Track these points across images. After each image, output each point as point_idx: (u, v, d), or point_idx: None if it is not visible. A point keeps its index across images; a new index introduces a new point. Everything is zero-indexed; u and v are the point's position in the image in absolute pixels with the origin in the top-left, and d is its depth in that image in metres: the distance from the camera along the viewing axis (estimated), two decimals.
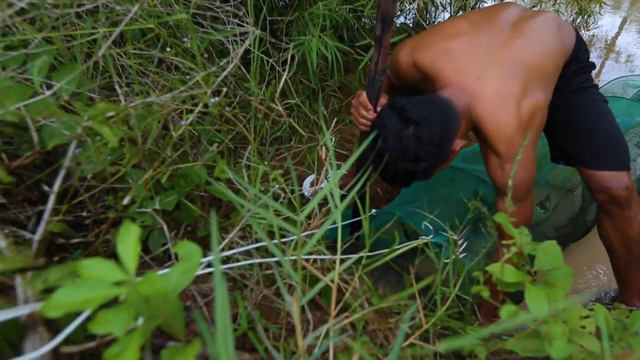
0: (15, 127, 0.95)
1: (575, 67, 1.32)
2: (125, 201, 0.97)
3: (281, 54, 1.76)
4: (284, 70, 1.75)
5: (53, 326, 0.64)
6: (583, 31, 4.37)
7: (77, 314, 0.57)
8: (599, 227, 1.41)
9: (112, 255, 1.02)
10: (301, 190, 2.02)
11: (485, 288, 0.72)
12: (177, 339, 0.59)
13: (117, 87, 0.81)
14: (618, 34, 4.66)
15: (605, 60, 4.18)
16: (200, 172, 1.10)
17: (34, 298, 0.67)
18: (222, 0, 1.07)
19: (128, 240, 0.54)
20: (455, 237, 1.02)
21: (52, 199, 0.76)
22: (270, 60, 1.45)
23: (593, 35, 4.46)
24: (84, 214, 0.94)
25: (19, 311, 0.59)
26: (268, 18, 1.63)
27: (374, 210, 1.21)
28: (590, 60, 1.37)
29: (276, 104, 1.07)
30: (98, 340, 0.65)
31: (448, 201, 1.66)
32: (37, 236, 0.75)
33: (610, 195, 1.30)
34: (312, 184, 1.99)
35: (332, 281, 0.69)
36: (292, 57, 1.67)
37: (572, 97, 1.33)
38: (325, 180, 1.33)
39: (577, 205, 1.91)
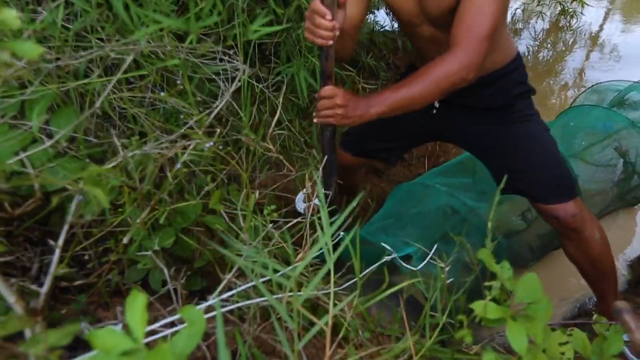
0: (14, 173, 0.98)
1: (520, 89, 1.36)
2: (125, 240, 1.01)
3: (270, 76, 1.80)
4: (274, 92, 1.78)
5: None
6: (566, 33, 4.44)
7: None
8: (563, 249, 1.48)
9: (114, 293, 1.06)
10: (296, 206, 2.08)
11: (470, 333, 0.77)
12: None
13: (115, 139, 0.84)
14: (603, 25, 4.71)
15: (590, 51, 4.24)
16: (196, 208, 1.14)
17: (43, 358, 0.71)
18: (214, 42, 1.11)
19: (135, 310, 0.58)
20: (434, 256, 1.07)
21: (57, 253, 0.79)
22: (260, 85, 1.49)
23: (577, 28, 4.51)
24: (86, 257, 0.98)
25: None
26: (257, 41, 1.67)
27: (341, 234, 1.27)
28: (529, 84, 1.42)
29: (267, 143, 1.11)
30: None
31: (420, 215, 1.74)
32: (44, 289, 0.78)
33: (561, 223, 1.37)
34: (304, 200, 2.03)
35: (327, 324, 0.73)
36: (280, 85, 1.71)
37: (517, 129, 1.37)
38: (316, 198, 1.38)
39: None
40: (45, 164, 1.03)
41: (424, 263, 1.32)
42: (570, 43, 4.31)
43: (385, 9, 2.66)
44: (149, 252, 0.93)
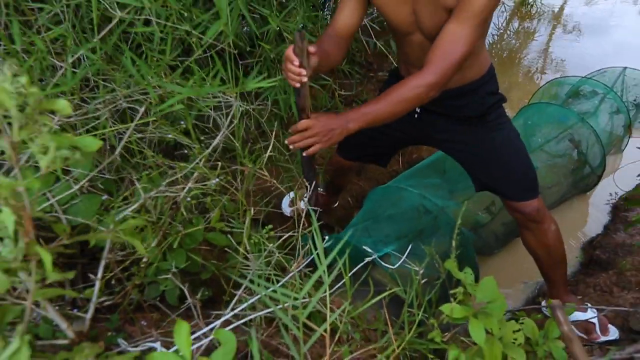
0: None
1: (494, 99, 1.55)
2: (144, 265, 1.17)
3: (254, 96, 1.95)
4: (258, 105, 1.93)
5: None
6: (527, 21, 4.66)
7: None
8: (523, 240, 1.69)
9: (136, 309, 1.22)
10: (282, 209, 2.25)
11: (439, 333, 0.97)
12: None
13: (136, 183, 1.00)
14: (563, 7, 4.92)
15: (553, 31, 4.45)
16: (201, 229, 1.31)
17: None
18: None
19: (182, 335, 0.75)
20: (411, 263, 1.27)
21: (97, 285, 0.95)
22: (249, 107, 1.64)
23: (537, 14, 4.71)
24: (112, 281, 1.14)
25: None
26: (240, 62, 1.81)
27: (327, 237, 1.44)
28: (500, 93, 1.60)
29: (262, 170, 1.28)
30: None
31: (396, 216, 1.92)
32: (89, 315, 0.95)
33: (524, 215, 1.58)
34: (289, 204, 2.21)
35: (326, 331, 0.92)
36: (264, 99, 1.86)
37: (493, 136, 1.55)
38: (302, 201, 1.55)
39: None
40: (69, 201, 1.17)
41: (400, 262, 1.50)
42: (531, 31, 4.53)
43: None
44: (169, 275, 1.10)
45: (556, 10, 4.83)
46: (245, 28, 2.03)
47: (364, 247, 1.55)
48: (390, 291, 1.08)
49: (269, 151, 1.29)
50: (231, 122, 1.31)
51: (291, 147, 1.31)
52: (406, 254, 1.46)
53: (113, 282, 1.16)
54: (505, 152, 1.54)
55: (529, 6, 4.66)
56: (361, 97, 2.90)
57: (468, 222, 2.16)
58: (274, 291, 0.89)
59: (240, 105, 1.33)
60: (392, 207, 1.98)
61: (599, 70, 3.16)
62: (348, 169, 1.98)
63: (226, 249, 1.31)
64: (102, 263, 0.98)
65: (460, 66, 1.32)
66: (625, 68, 3.08)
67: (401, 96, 1.31)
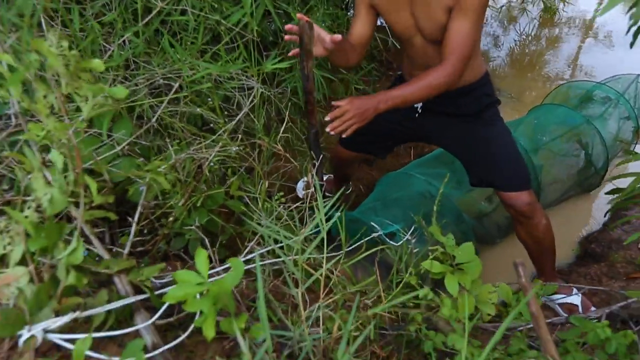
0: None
1: (489, 100, 1.70)
2: (172, 219, 1.36)
3: (274, 84, 2.14)
4: (278, 94, 2.12)
5: (150, 309, 1.04)
6: (549, 28, 4.74)
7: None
8: (516, 232, 1.82)
9: (164, 257, 1.41)
10: (297, 192, 2.43)
11: (415, 278, 1.13)
12: (229, 314, 0.99)
13: (169, 145, 1.19)
14: (596, 11, 4.96)
15: (584, 39, 4.52)
16: (221, 194, 1.50)
17: (129, 289, 1.06)
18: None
19: (201, 259, 0.93)
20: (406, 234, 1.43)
21: (134, 227, 1.15)
22: (268, 93, 1.83)
23: (559, 22, 4.79)
24: (145, 230, 1.33)
25: (132, 299, 0.98)
26: (264, 53, 2.00)
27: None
28: (495, 96, 1.76)
29: (277, 144, 1.46)
30: (175, 317, 1.06)
31: (403, 199, 2.07)
32: (126, 250, 1.14)
33: (516, 210, 1.70)
34: (304, 188, 2.39)
35: (322, 275, 1.09)
36: (284, 87, 2.04)
37: (486, 132, 1.70)
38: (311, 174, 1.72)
39: None
40: (111, 161, 1.38)
41: (404, 239, 1.66)
42: (552, 38, 4.61)
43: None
44: (193, 227, 1.29)
45: (587, 18, 4.88)
46: (272, 25, 2.23)
47: (372, 223, 1.72)
48: (381, 247, 1.24)
49: (283, 127, 1.47)
50: (252, 102, 1.49)
51: (332, 132, 1.46)
52: (410, 232, 1.62)
53: (145, 231, 1.35)
54: (496, 144, 1.68)
55: (553, 14, 4.74)
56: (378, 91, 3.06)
57: (471, 211, 2.29)
58: (279, 235, 1.06)
59: (261, 88, 1.52)
60: (400, 191, 2.14)
61: (613, 76, 3.24)
62: (351, 160, 2.14)
63: (242, 216, 1.49)
64: (138, 209, 1.17)
65: (469, 58, 1.48)
66: (638, 75, 3.15)
67: (428, 83, 1.48)
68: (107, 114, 1.39)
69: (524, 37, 4.62)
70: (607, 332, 1.03)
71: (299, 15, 1.35)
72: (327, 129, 1.46)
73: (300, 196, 2.34)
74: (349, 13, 2.93)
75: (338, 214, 1.70)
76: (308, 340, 0.96)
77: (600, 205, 2.62)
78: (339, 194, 1.17)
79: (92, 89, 0.87)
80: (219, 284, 0.90)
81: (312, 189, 1.71)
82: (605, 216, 2.37)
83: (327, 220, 1.19)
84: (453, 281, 1.16)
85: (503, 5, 4.83)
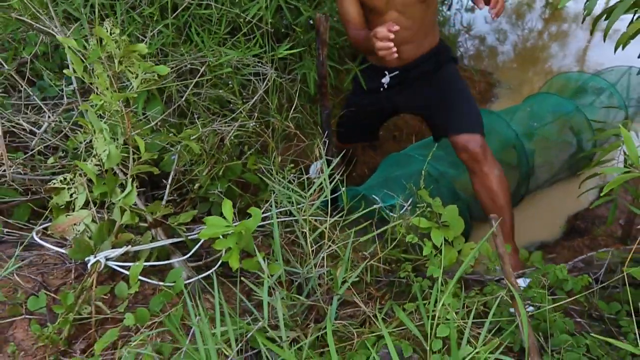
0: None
1: (447, 58, 1.93)
2: (197, 185, 1.58)
3: (286, 71, 2.34)
4: (289, 83, 2.32)
5: (183, 250, 1.26)
6: (551, 24, 4.89)
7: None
8: (472, 185, 1.94)
9: (191, 221, 1.63)
10: (309, 175, 2.64)
11: (400, 228, 1.34)
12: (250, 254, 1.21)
13: (196, 120, 1.41)
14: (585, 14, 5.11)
15: (586, 33, 4.66)
16: (239, 167, 1.71)
17: (163, 234, 1.28)
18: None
19: (227, 207, 1.15)
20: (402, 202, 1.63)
21: (168, 188, 1.37)
22: (281, 80, 2.04)
23: (562, 17, 4.93)
24: (175, 196, 1.55)
25: (170, 240, 1.20)
26: (277, 45, 2.20)
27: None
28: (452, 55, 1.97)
29: (288, 122, 1.67)
30: (203, 261, 1.27)
31: (403, 177, 2.27)
32: (164, 202, 1.36)
33: (469, 153, 1.79)
34: (316, 171, 2.60)
35: (326, 228, 1.30)
36: (294, 76, 2.25)
37: (444, 80, 1.90)
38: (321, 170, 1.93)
39: (515, 181, 2.51)
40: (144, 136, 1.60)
41: (403, 210, 1.86)
42: (556, 33, 4.77)
43: None
44: (216, 192, 1.50)
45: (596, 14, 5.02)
46: (284, 19, 2.44)
47: (373, 196, 1.93)
48: (377, 206, 1.45)
49: (293, 109, 1.69)
50: (267, 85, 1.71)
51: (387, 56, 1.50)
52: (408, 205, 1.82)
53: (175, 196, 1.57)
54: (452, 89, 1.89)
55: (553, 8, 4.89)
56: None
57: (467, 190, 2.49)
58: (291, 196, 1.27)
59: (274, 73, 1.73)
60: (400, 169, 2.34)
61: (607, 68, 3.41)
62: (349, 148, 2.42)
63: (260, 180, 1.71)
64: (172, 173, 1.39)
65: None
66: (630, 67, 3.31)
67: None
68: (142, 95, 1.62)
69: (527, 31, 4.78)
70: (564, 273, 1.23)
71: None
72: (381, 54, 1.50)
73: (313, 177, 2.56)
74: None
75: (343, 188, 1.92)
76: (314, 274, 1.17)
77: (588, 186, 2.80)
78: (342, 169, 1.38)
79: (142, 65, 1.08)
80: (242, 225, 1.11)
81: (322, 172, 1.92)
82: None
83: (333, 193, 1.40)
84: (438, 234, 1.36)
85: (506, 1, 4.98)
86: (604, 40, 1.72)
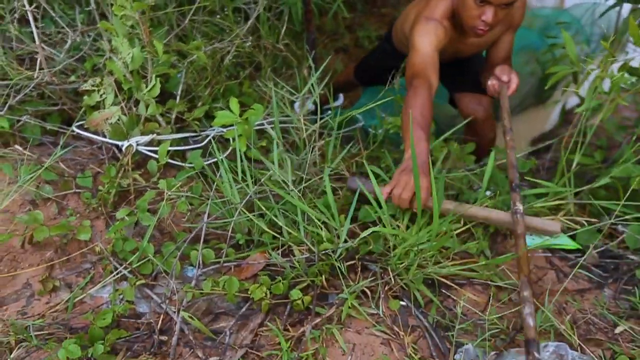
0: None
1: None
2: (201, 103, 1.79)
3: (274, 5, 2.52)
4: (277, 17, 2.50)
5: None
6: None
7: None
8: (473, 129, 2.13)
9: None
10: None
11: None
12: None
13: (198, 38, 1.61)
14: None
15: None
16: (235, 87, 1.92)
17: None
18: None
19: (234, 104, 1.37)
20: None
21: (178, 99, 1.57)
22: (269, 14, 2.23)
23: None
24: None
25: (187, 134, 1.42)
26: None
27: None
28: None
29: (279, 44, 1.88)
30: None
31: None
32: (173, 116, 1.57)
33: (474, 114, 2.04)
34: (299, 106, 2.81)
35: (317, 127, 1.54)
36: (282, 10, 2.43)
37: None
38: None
39: None
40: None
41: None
42: None
43: None
44: (218, 105, 1.72)
45: None
46: None
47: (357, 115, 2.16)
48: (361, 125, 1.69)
49: (282, 32, 1.89)
50: (258, 12, 1.90)
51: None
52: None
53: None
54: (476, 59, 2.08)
55: None
56: (363, 25, 3.43)
57: (445, 115, 2.73)
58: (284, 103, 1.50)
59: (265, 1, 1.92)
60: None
61: (575, 5, 3.63)
62: (355, 85, 2.57)
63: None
64: (180, 86, 1.60)
65: None
66: (595, 3, 3.54)
67: None
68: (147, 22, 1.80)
69: None
70: None
71: None
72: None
73: (297, 112, 2.77)
74: None
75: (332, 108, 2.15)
76: (309, 155, 1.40)
77: (552, 112, 3.08)
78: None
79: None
80: (247, 115, 1.33)
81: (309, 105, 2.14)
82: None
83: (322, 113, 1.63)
84: None
85: None
86: None
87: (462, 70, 2.12)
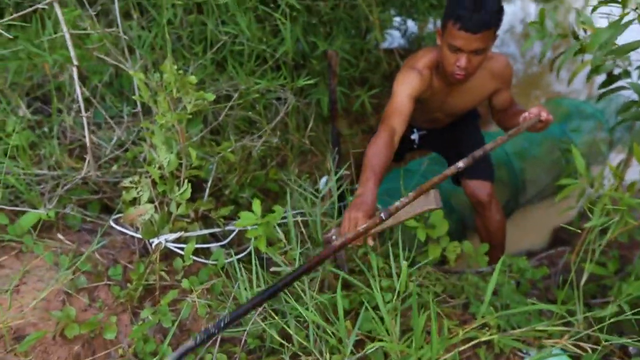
0: None
1: (474, 113, 2.20)
2: (228, 192, 1.92)
3: (302, 95, 2.69)
4: (305, 104, 2.66)
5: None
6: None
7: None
8: (475, 221, 2.20)
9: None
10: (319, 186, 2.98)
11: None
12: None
13: (229, 137, 1.75)
14: None
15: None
16: (262, 176, 2.05)
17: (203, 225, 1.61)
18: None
19: (256, 206, 1.47)
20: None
21: (207, 191, 1.70)
22: (299, 104, 2.39)
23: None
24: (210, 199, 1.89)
25: (212, 230, 1.53)
26: (295, 72, 2.56)
27: None
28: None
29: (304, 139, 2.01)
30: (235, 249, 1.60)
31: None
32: (205, 197, 1.69)
33: (478, 198, 2.04)
34: (326, 182, 2.93)
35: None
36: (309, 99, 2.60)
37: (468, 130, 2.17)
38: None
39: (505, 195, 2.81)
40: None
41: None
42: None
43: None
44: (245, 195, 1.84)
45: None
46: (301, 47, 2.80)
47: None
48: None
49: (309, 128, 2.03)
50: (287, 108, 2.06)
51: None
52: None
53: (210, 199, 1.91)
54: (474, 139, 2.16)
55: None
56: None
57: (461, 203, 2.79)
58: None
59: (293, 99, 2.08)
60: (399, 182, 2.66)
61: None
62: None
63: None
64: (210, 178, 1.73)
65: None
66: (617, 94, 3.62)
67: None
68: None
69: (528, 58, 5.11)
70: (525, 263, 1.53)
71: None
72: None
73: (321, 188, 2.89)
74: (365, 39, 3.48)
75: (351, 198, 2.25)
76: None
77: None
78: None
79: (195, 94, 1.43)
80: (267, 218, 1.44)
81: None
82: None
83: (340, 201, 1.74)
84: (422, 232, 1.68)
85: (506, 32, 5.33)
86: (557, 77, 2.11)
87: (458, 143, 2.16)
